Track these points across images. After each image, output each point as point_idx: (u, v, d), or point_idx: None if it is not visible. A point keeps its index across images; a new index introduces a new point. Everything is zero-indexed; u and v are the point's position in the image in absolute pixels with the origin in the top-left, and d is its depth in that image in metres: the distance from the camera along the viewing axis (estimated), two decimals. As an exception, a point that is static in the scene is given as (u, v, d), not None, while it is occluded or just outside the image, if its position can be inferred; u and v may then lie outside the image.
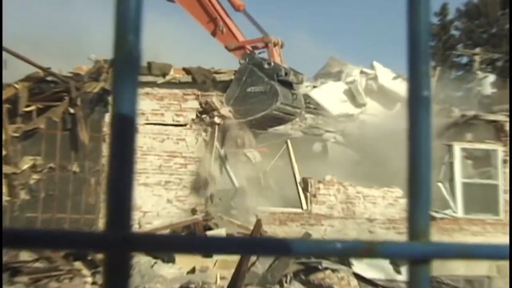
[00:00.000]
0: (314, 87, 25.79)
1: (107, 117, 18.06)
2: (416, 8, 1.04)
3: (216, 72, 20.31)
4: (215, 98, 20.13)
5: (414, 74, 1.03)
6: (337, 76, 26.42)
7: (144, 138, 18.77)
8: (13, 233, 0.81)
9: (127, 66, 0.89)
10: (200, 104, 19.93)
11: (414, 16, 1.04)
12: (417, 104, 1.01)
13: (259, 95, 19.78)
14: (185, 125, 19.54)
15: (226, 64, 21.41)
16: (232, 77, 20.26)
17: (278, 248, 0.95)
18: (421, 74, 1.02)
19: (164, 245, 0.89)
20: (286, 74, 19.77)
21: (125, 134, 0.88)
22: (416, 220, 1.01)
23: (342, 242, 0.96)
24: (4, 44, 17.10)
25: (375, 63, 26.21)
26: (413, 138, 1.01)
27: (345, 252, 0.98)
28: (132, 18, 0.89)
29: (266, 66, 19.96)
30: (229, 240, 0.93)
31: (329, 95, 24.41)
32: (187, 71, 19.95)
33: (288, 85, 19.94)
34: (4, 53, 17.17)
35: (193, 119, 19.72)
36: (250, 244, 0.95)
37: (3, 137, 17.05)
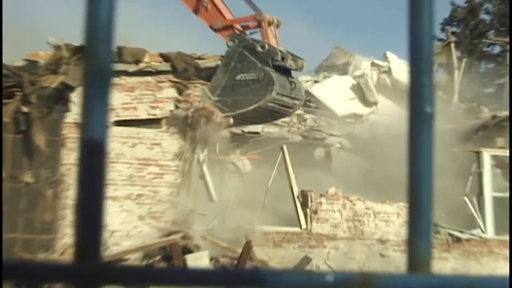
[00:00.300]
0: (316, 82, 25.79)
1: (69, 118, 18.04)
2: (418, 12, 1.11)
3: (200, 58, 20.18)
4: (198, 89, 20.04)
5: (416, 87, 1.09)
6: (343, 69, 26.48)
7: (112, 143, 18.65)
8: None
9: (97, 80, 0.96)
10: (180, 93, 19.83)
11: (416, 21, 1.11)
12: (418, 121, 1.08)
13: (250, 83, 19.45)
14: (161, 119, 19.46)
15: (211, 48, 21.38)
16: (219, 63, 20.15)
17: (263, 281, 1.02)
18: (423, 87, 1.08)
19: (138, 278, 0.96)
20: (283, 58, 19.55)
21: (95, 156, 0.95)
22: (416, 249, 1.07)
23: (335, 274, 1.04)
24: None
25: (389, 54, 26.28)
26: (414, 159, 1.08)
27: (338, 285, 1.04)
28: (104, 29, 0.96)
29: (259, 49, 19.80)
30: (209, 273, 1.00)
31: (334, 92, 24.44)
32: (164, 57, 19.80)
33: (286, 71, 19.71)
34: None
35: (171, 111, 19.62)
36: (233, 277, 1.02)
37: None
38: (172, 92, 19.75)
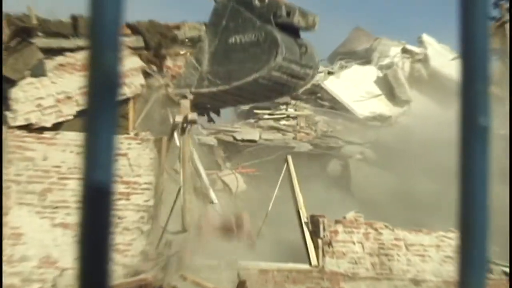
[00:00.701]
0: (330, 73, 25.65)
1: (10, 120, 18.15)
2: (471, 4, 1.21)
3: (178, 27, 19.97)
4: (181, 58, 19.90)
5: (468, 94, 1.19)
6: (365, 57, 26.42)
7: (63, 153, 18.75)
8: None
9: (104, 88, 1.08)
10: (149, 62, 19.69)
11: (468, 14, 1.22)
12: (471, 134, 1.18)
13: (248, 47, 18.71)
14: (132, 98, 19.39)
15: (192, 16, 21.09)
16: (202, 33, 19.90)
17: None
18: (476, 94, 1.19)
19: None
20: (288, 14, 18.78)
21: (102, 197, 1.08)
22: (467, 282, 1.19)
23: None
24: None
25: (425, 37, 26.28)
26: (466, 179, 1.19)
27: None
28: (110, 33, 1.08)
29: (256, 2, 19.30)
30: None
31: (353, 86, 24.38)
32: (133, 28, 19.68)
33: (293, 31, 19.00)
34: None
35: (142, 85, 19.48)
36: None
37: None
38: (137, 61, 19.64)
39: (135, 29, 19.36)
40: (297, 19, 19.28)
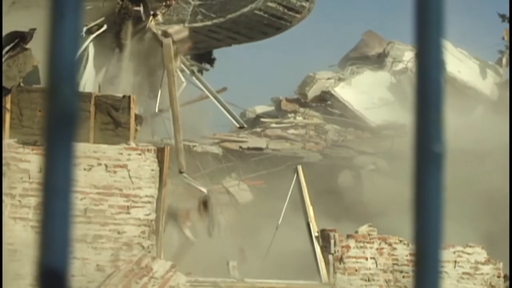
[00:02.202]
0: (340, 79, 25.61)
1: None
2: (425, 37, 1.31)
3: None
4: None
5: (422, 122, 1.27)
6: (378, 62, 26.39)
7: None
8: None
9: (61, 121, 1.18)
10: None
11: (423, 47, 1.31)
12: (425, 162, 1.26)
13: None
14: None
15: None
16: None
17: None
18: (430, 122, 1.27)
19: None
20: None
21: (60, 207, 1.17)
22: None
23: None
24: None
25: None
26: (420, 206, 1.27)
27: None
28: (67, 61, 1.18)
29: None
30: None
31: (365, 93, 24.36)
32: None
33: None
34: None
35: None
36: None
37: None
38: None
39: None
40: None
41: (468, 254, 20.65)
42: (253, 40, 22.08)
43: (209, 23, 19.87)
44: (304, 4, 19.87)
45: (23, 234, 18.30)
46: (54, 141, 1.14)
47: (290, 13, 19.70)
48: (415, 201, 1.24)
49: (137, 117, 19.90)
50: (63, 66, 1.14)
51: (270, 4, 18.77)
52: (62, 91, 1.14)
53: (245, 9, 18.74)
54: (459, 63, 25.22)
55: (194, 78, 22.37)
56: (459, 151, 17.03)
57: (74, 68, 1.15)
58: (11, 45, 18.28)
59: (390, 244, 20.57)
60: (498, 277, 20.94)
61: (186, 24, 20.57)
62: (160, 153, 19.30)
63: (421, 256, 1.24)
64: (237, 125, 22.36)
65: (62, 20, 1.15)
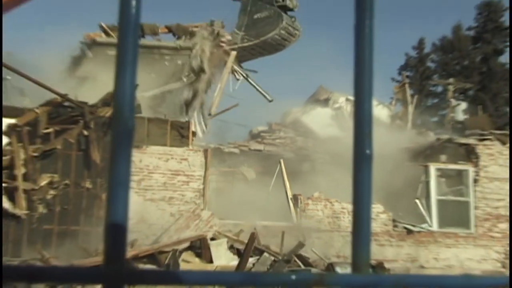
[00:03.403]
0: (305, 112, 25.82)
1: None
2: (362, 75, 1.13)
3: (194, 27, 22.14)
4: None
5: (359, 135, 1.11)
6: (325, 103, 26.44)
7: (150, 158, 18.75)
8: (28, 270, 0.91)
9: (123, 135, 0.98)
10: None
11: (359, 83, 1.14)
12: (361, 160, 1.10)
13: (265, 19, 21.56)
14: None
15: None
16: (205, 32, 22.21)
17: (250, 280, 1.04)
18: (365, 135, 1.11)
19: (155, 279, 0.98)
20: (283, 0, 22.20)
21: (121, 176, 0.98)
22: (358, 256, 1.10)
23: (296, 274, 1.06)
24: (28, 72, 17.21)
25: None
26: (357, 189, 1.10)
27: (299, 282, 1.07)
28: (128, 94, 0.99)
29: None
30: (216, 274, 1.02)
31: (318, 120, 24.40)
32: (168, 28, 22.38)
33: (286, 9, 21.62)
34: (26, 81, 17.28)
35: None
36: (231, 278, 1.04)
37: (23, 156, 17.09)
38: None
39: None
40: (288, 2, 22.91)
41: (374, 207, 20.51)
42: (271, 54, 24.18)
43: (250, 43, 21.75)
44: (297, 32, 23.00)
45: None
46: (119, 147, 0.92)
47: (290, 36, 21.78)
48: (354, 186, 1.04)
49: (193, 133, 19.97)
50: (125, 94, 0.91)
51: (281, 31, 20.98)
52: (124, 111, 0.92)
53: (271, 34, 20.97)
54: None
55: (248, 79, 23.85)
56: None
57: (133, 97, 0.92)
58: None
59: (331, 202, 20.49)
60: (389, 220, 20.96)
61: (238, 45, 23.01)
62: (205, 152, 19.28)
63: (357, 220, 1.03)
64: (269, 99, 24.30)
65: (125, 68, 0.93)
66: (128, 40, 0.96)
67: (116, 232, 0.97)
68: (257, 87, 23.90)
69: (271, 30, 22.41)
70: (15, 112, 17.59)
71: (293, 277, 1.04)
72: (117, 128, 0.97)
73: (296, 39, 23.31)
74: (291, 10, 23.18)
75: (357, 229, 1.10)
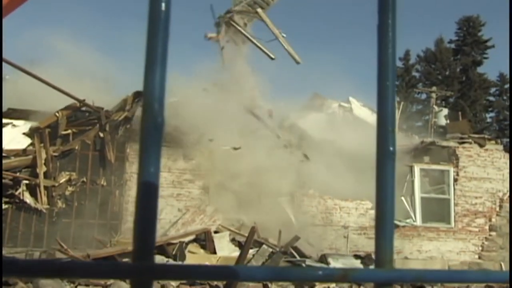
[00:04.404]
0: (300, 117, 25.59)
1: (130, 140, 18.00)
2: (385, 78, 1.05)
3: None
4: None
5: (383, 132, 1.03)
6: (319, 109, 26.27)
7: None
8: (57, 265, 0.82)
9: (153, 130, 0.90)
10: None
11: (383, 85, 1.06)
12: (384, 157, 1.02)
13: None
14: None
15: None
16: None
17: (278, 275, 0.96)
18: (388, 132, 1.03)
19: (178, 274, 0.90)
20: None
21: (151, 176, 0.89)
22: (382, 252, 1.02)
23: (323, 269, 0.97)
24: (47, 79, 17.12)
25: (351, 98, 26.16)
26: (381, 185, 1.02)
27: (325, 277, 0.99)
28: (158, 89, 0.90)
29: None
30: (244, 270, 0.94)
31: (313, 124, 24.21)
32: None
33: None
34: (47, 87, 17.21)
35: None
36: (258, 273, 0.96)
37: (44, 156, 17.03)
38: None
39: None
40: None
41: (363, 204, 20.53)
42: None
43: None
44: None
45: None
46: (148, 143, 0.83)
47: None
48: (378, 180, 0.96)
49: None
50: (155, 89, 0.83)
51: None
52: (154, 107, 0.83)
53: None
54: (359, 111, 25.17)
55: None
56: (361, 155, 16.68)
57: (163, 93, 0.83)
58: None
59: (324, 199, 20.40)
60: (377, 216, 20.84)
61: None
62: (210, 152, 19.08)
63: (381, 216, 0.94)
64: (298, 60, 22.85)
65: (155, 65, 0.85)
66: (158, 37, 0.88)
67: (145, 228, 0.88)
68: (287, 47, 22.27)
69: None
70: (37, 116, 17.58)
71: (320, 272, 0.96)
72: (147, 124, 0.88)
73: None
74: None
75: (381, 225, 1.02)
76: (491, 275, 1.10)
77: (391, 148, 1.02)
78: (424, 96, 48.85)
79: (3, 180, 16.07)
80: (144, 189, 0.88)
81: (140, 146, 0.88)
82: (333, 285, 14.61)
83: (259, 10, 21.37)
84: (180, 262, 14.88)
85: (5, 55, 15.39)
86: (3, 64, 16.43)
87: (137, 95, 18.23)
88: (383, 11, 1.07)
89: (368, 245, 19.60)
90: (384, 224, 1.02)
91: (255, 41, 21.75)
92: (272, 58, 22.00)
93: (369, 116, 23.90)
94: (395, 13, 1.06)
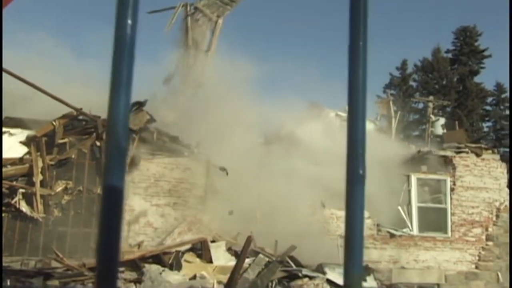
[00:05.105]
0: (298, 126, 25.57)
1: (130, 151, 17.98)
2: (355, 103, 1.05)
3: None
4: None
5: (353, 155, 1.03)
6: (316, 118, 26.25)
7: (157, 167, 18.62)
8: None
9: (116, 154, 0.89)
10: None
11: (353, 109, 1.06)
12: (354, 180, 1.02)
13: None
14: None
15: None
16: None
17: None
18: (358, 155, 1.03)
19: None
20: None
21: (113, 204, 0.89)
22: (351, 272, 1.01)
23: None
24: (45, 87, 17.11)
25: (347, 107, 26.19)
26: (350, 207, 1.02)
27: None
28: (122, 114, 0.90)
29: None
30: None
31: (310, 133, 24.17)
32: None
33: None
34: (43, 95, 17.20)
35: None
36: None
37: (41, 164, 17.00)
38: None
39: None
40: None
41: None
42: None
43: None
44: None
45: (138, 202, 18.09)
46: (112, 166, 0.82)
47: None
48: (347, 202, 0.95)
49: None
50: (120, 114, 0.82)
51: None
52: (118, 131, 0.83)
53: None
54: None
55: None
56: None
57: (126, 117, 0.83)
58: (136, 107, 17.97)
59: (320, 209, 20.37)
60: (373, 225, 20.88)
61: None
62: (207, 162, 19.09)
63: (350, 237, 0.94)
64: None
65: (119, 89, 0.84)
66: (123, 61, 0.88)
67: (108, 255, 0.88)
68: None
69: None
70: (33, 124, 17.56)
71: None
72: (111, 148, 0.87)
73: None
74: None
75: (350, 247, 1.02)
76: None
77: (361, 171, 1.02)
78: (421, 105, 48.91)
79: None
80: (107, 216, 0.87)
81: (103, 171, 0.87)
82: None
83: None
84: (176, 271, 14.85)
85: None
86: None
87: (134, 104, 18.23)
88: (354, 33, 1.07)
89: (365, 255, 19.29)
90: (354, 245, 1.02)
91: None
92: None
93: (367, 125, 23.86)
94: (366, 36, 1.06)
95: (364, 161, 1.03)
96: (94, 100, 19.07)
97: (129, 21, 0.88)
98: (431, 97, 37.86)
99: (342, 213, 20.24)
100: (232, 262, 15.65)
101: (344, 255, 1.01)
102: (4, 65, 15.78)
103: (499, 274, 21.73)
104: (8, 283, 12.01)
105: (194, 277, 14.76)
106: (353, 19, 1.06)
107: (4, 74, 16.32)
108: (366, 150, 1.03)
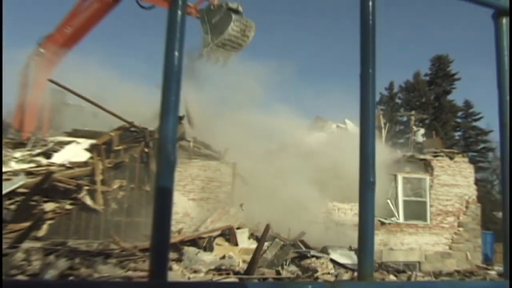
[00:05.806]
0: (306, 136, 25.35)
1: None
2: (366, 119, 1.00)
3: None
4: None
5: (365, 165, 0.97)
6: (321, 129, 26.07)
7: (193, 169, 18.59)
8: (70, 285, 0.77)
9: (166, 168, 0.84)
10: None
11: (364, 125, 1.00)
12: (366, 187, 0.96)
13: (220, 20, 18.20)
14: None
15: None
16: None
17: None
18: (369, 165, 0.97)
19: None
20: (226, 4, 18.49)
21: (165, 205, 0.84)
22: (364, 267, 0.95)
23: (313, 284, 0.91)
24: (104, 105, 17.19)
25: (347, 120, 26.02)
26: (363, 211, 0.96)
27: (315, 291, 0.92)
28: (171, 133, 0.85)
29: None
30: (237, 285, 0.88)
31: (316, 142, 24.01)
32: None
33: (233, 11, 18.38)
34: (102, 111, 17.28)
35: None
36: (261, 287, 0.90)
37: (101, 167, 17.05)
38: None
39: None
40: (231, 5, 18.29)
41: (357, 206, 20.21)
42: (237, 49, 19.70)
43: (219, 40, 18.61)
44: (249, 24, 18.65)
45: (175, 197, 18.04)
46: (162, 179, 0.77)
47: (244, 28, 18.51)
48: (360, 207, 0.89)
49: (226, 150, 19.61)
50: (169, 134, 0.76)
51: (235, 26, 18.01)
52: (168, 148, 0.77)
53: (228, 28, 18.13)
54: (354, 131, 24.92)
55: None
56: (355, 167, 16.33)
57: (175, 136, 0.77)
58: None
59: (325, 202, 20.14)
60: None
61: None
62: (233, 164, 19.01)
63: (363, 235, 0.88)
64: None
65: (168, 112, 0.78)
66: (171, 89, 0.83)
67: (160, 249, 0.83)
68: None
69: (227, 25, 18.24)
70: (95, 135, 17.67)
71: (310, 286, 0.89)
72: (161, 163, 0.83)
73: (251, 31, 18.73)
74: (237, 12, 18.69)
75: (363, 244, 0.95)
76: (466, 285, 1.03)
77: (371, 179, 0.96)
78: (405, 118, 48.72)
79: (70, 186, 16.13)
80: (159, 219, 0.82)
81: (155, 182, 0.82)
82: (332, 271, 14.46)
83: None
84: (209, 252, 14.78)
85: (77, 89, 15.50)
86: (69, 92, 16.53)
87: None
88: (364, 61, 1.02)
89: (360, 239, 19.39)
90: (366, 243, 0.96)
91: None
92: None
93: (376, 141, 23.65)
94: (374, 64, 1.00)
95: (374, 170, 0.97)
96: (141, 115, 19.17)
97: (176, 53, 0.83)
98: (413, 112, 37.70)
99: (342, 205, 20.10)
100: (254, 245, 15.54)
101: (358, 251, 0.95)
102: (78, 90, 15.90)
103: (468, 253, 21.74)
104: (78, 260, 12.04)
105: (223, 257, 14.66)
106: (364, 51, 1.00)
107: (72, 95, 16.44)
108: (375, 160, 0.96)
